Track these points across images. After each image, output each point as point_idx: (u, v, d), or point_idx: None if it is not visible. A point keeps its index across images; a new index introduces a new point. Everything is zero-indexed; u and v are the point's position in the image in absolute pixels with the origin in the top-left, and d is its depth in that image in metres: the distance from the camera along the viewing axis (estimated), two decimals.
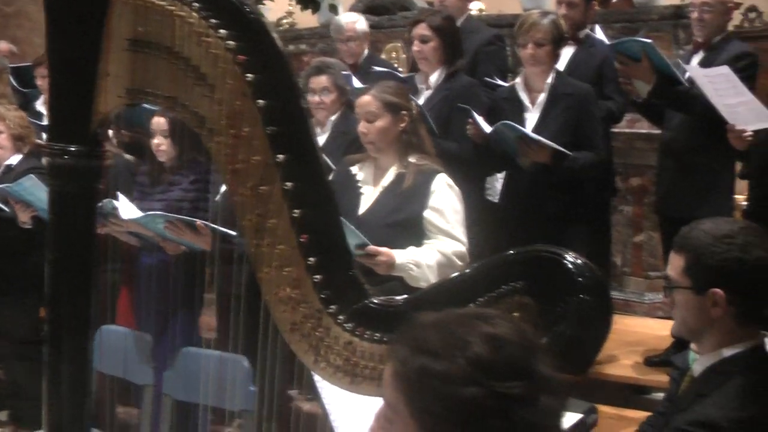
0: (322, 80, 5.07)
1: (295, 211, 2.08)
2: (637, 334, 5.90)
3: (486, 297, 1.94)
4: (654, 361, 5.42)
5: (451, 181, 3.83)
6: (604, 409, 5.13)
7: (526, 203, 4.83)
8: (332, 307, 2.11)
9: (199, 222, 4.09)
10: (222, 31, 2.12)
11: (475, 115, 4.70)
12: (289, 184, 2.08)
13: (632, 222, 6.60)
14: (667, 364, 4.65)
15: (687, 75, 4.95)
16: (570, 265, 1.91)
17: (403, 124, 3.83)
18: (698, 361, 2.52)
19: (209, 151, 2.16)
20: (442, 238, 3.73)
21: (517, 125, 4.60)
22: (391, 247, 3.60)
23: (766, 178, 4.46)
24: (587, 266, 1.93)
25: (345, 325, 2.10)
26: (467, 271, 2.06)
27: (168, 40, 2.18)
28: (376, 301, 2.11)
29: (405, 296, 2.17)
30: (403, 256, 3.60)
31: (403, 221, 3.74)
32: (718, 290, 2.38)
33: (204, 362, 3.97)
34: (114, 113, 2.34)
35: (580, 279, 1.89)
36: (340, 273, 2.11)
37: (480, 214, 5.04)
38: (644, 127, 6.04)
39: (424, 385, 1.52)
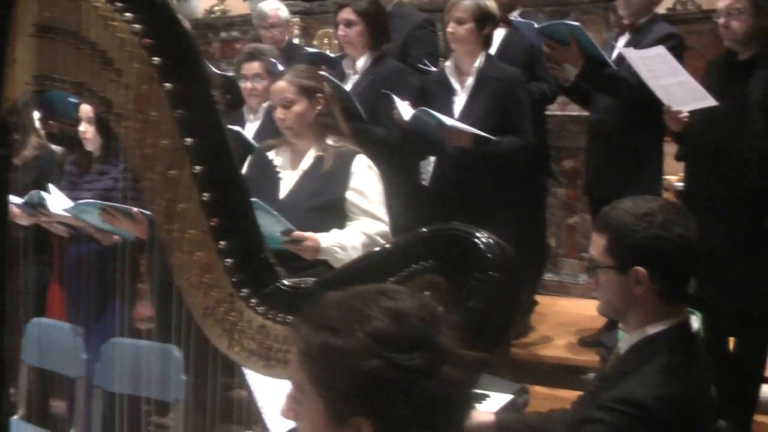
0: (254, 66, 5.05)
1: (205, 194, 2.06)
2: (571, 315, 5.97)
3: (396, 276, 1.93)
4: (587, 341, 5.48)
5: (370, 162, 3.85)
6: (538, 389, 5.19)
7: (455, 187, 4.84)
8: (244, 290, 2.10)
9: (135, 210, 4.04)
10: (128, 14, 2.10)
11: (396, 100, 4.69)
12: (198, 167, 2.06)
13: (565, 204, 6.66)
14: (600, 344, 4.69)
15: (614, 56, 4.98)
16: (480, 244, 1.92)
17: (319, 107, 3.84)
18: (623, 340, 2.53)
19: (117, 136, 2.13)
20: (365, 219, 3.74)
21: (433, 112, 4.59)
22: (314, 231, 3.60)
23: (702, 160, 4.49)
24: (497, 244, 1.94)
25: (258, 308, 2.09)
26: (377, 251, 2.05)
27: (74, 24, 2.16)
28: (287, 283, 2.10)
29: (315, 279, 2.16)
30: (328, 240, 3.59)
31: (325, 204, 3.74)
32: (640, 268, 2.39)
33: (134, 353, 3.94)
34: (23, 101, 2.30)
35: (489, 256, 1.89)
36: (252, 256, 2.10)
37: (412, 199, 5.07)
38: (575, 110, 6.06)
39: (326, 361, 1.53)
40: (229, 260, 2.09)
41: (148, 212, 3.95)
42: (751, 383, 4.67)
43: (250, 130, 5.06)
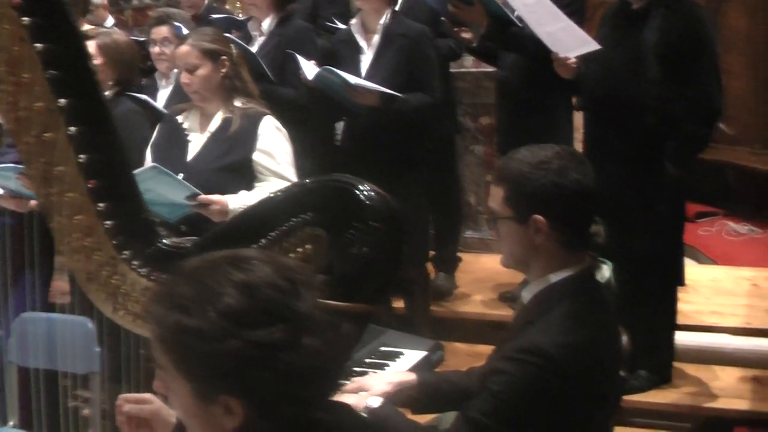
0: (163, 31, 4.98)
1: (81, 156, 2.01)
2: (491, 271, 5.97)
3: (277, 231, 1.91)
4: (507, 296, 5.51)
5: (278, 123, 3.83)
6: (460, 346, 5.22)
7: (364, 147, 4.83)
8: (126, 252, 2.06)
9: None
10: None
11: (301, 60, 4.66)
12: (73, 129, 2.01)
13: (483, 161, 6.66)
14: (517, 298, 4.72)
15: (516, 14, 4.99)
16: (360, 194, 1.89)
17: (224, 70, 3.80)
18: (527, 289, 2.52)
19: None
20: (274, 179, 3.71)
21: (337, 70, 4.57)
22: (222, 193, 3.57)
23: (601, 109, 4.53)
24: (379, 195, 1.91)
25: (140, 270, 2.06)
26: (256, 207, 2.01)
27: None
28: (167, 242, 2.06)
29: (196, 237, 2.12)
30: (235, 201, 3.56)
31: (232, 165, 3.72)
32: (539, 217, 2.38)
33: (47, 327, 3.88)
34: None
35: (370, 207, 1.87)
36: (132, 217, 2.06)
37: (326, 159, 5.05)
38: (491, 66, 6.04)
39: (182, 345, 1.48)
40: (109, 222, 2.05)
41: None
42: (664, 331, 4.73)
43: (162, 96, 5.00)
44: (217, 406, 1.49)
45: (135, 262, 2.07)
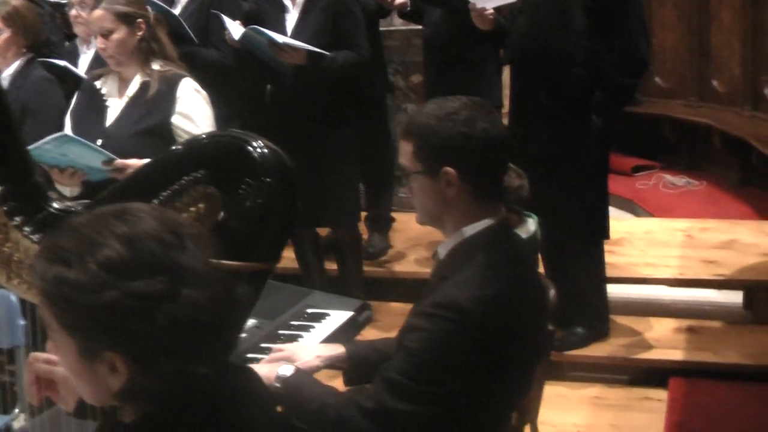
0: None
1: None
2: (425, 231, 5.86)
3: (168, 191, 1.84)
4: None
5: (197, 86, 3.75)
6: (395, 306, 5.19)
7: (291, 106, 4.78)
8: (17, 219, 1.98)
9: None
10: None
11: (226, 20, 4.58)
12: None
13: None
14: None
15: None
16: (252, 150, 1.82)
17: (140, 33, 3.71)
18: (442, 245, 2.47)
19: None
20: None
21: (263, 29, 4.49)
22: (141, 157, 3.48)
23: (528, 62, 4.49)
24: (271, 150, 1.84)
25: (32, 237, 1.98)
26: (148, 166, 1.94)
27: None
28: (58, 206, 1.99)
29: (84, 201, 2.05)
30: None
31: (151, 128, 3.65)
32: (449, 169, 2.32)
33: None
34: None
35: (262, 163, 1.80)
36: (22, 182, 1.98)
37: (255, 121, 4.97)
38: (418, 24, 5.99)
39: (62, 298, 1.44)
40: None
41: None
42: (594, 285, 4.73)
43: (84, 61, 4.89)
44: (102, 364, 1.46)
45: (27, 228, 1.99)
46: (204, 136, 1.94)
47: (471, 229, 2.39)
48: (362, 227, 5.82)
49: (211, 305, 1.45)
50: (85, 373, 1.49)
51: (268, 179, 1.79)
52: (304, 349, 2.71)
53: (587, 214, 4.55)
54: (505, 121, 4.80)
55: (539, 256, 4.12)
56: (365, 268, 5.43)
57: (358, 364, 2.68)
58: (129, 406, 1.53)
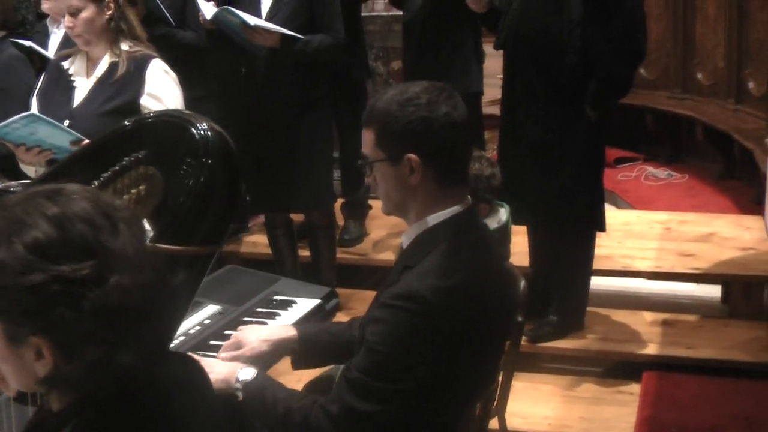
0: None
1: None
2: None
3: (109, 171, 1.78)
4: None
5: (166, 66, 3.69)
6: (371, 294, 5.04)
7: (264, 89, 4.71)
8: None
9: None
10: None
11: (199, 1, 4.51)
12: None
13: None
14: None
15: None
16: (195, 131, 1.76)
17: (109, 12, 3.64)
18: (406, 234, 2.42)
19: None
20: None
21: (236, 11, 4.43)
22: None
23: (521, 48, 4.43)
24: (214, 131, 1.78)
25: None
26: (87, 146, 1.88)
27: None
28: None
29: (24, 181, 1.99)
30: None
31: (119, 109, 3.57)
32: (411, 155, 2.27)
33: None
34: None
35: (204, 143, 1.74)
36: None
37: (229, 103, 4.94)
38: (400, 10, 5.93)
39: None
40: None
41: None
42: (579, 277, 4.69)
43: (54, 41, 4.84)
44: (27, 350, 1.42)
45: None
46: (150, 114, 1.87)
47: (435, 218, 2.34)
48: (339, 214, 5.78)
49: (140, 292, 1.41)
50: (11, 358, 1.45)
51: (209, 161, 1.72)
52: (253, 333, 2.65)
53: (579, 203, 4.49)
54: (497, 109, 4.77)
55: (510, 245, 4.07)
56: (341, 256, 5.38)
57: (309, 348, 2.64)
58: (55, 393, 1.49)
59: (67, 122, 3.55)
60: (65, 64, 3.78)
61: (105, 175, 1.77)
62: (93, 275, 1.38)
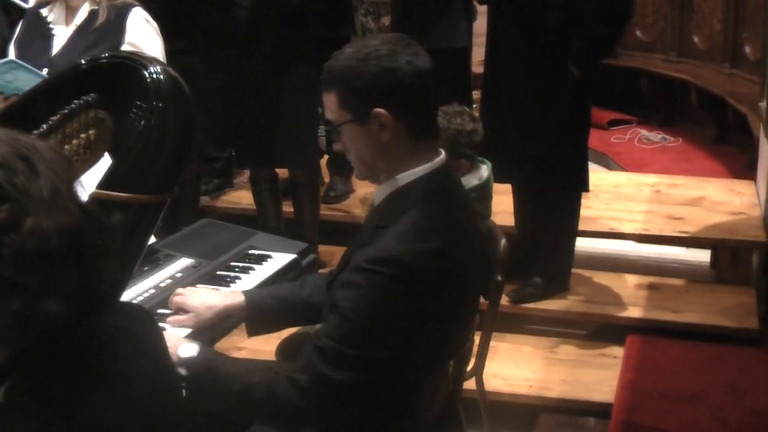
0: None
1: None
2: None
3: (58, 115, 1.70)
4: None
5: (147, 15, 3.63)
6: None
7: (246, 41, 4.63)
8: None
9: None
10: None
11: None
12: None
13: None
14: None
15: None
16: (146, 73, 1.68)
17: None
18: (378, 191, 2.31)
19: None
20: None
21: None
22: None
23: (505, 3, 4.35)
24: (168, 75, 1.71)
25: None
26: (36, 88, 1.80)
27: None
28: None
29: None
30: None
31: None
32: (379, 110, 2.17)
33: None
34: None
35: (155, 87, 1.67)
36: None
37: (213, 55, 4.87)
38: None
39: None
40: None
41: None
42: (564, 237, 4.64)
43: None
44: None
45: None
46: (104, 55, 1.79)
47: (408, 176, 2.24)
48: (325, 171, 5.71)
49: (62, 235, 1.34)
50: None
51: (160, 104, 1.65)
52: (197, 297, 2.54)
53: (565, 165, 4.42)
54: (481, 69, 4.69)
55: (491, 203, 4.00)
56: (325, 212, 5.31)
57: (258, 314, 2.55)
58: None
59: (45, 71, 3.47)
60: (44, 12, 3.70)
61: (54, 118, 1.70)
62: (8, 219, 1.31)
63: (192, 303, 2.51)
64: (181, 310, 2.52)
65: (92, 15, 3.58)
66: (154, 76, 1.68)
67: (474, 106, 5.23)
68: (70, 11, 3.65)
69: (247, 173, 5.47)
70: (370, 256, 2.12)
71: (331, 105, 2.24)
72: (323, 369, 2.10)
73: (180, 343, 2.26)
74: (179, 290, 2.57)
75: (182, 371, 2.18)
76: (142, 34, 3.58)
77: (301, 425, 2.17)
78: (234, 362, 2.29)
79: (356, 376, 2.10)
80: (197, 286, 2.73)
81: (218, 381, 2.18)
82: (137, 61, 1.71)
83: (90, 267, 1.40)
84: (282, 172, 5.18)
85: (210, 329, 2.50)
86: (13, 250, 1.30)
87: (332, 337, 2.11)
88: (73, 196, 1.38)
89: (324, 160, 5.70)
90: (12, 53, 3.66)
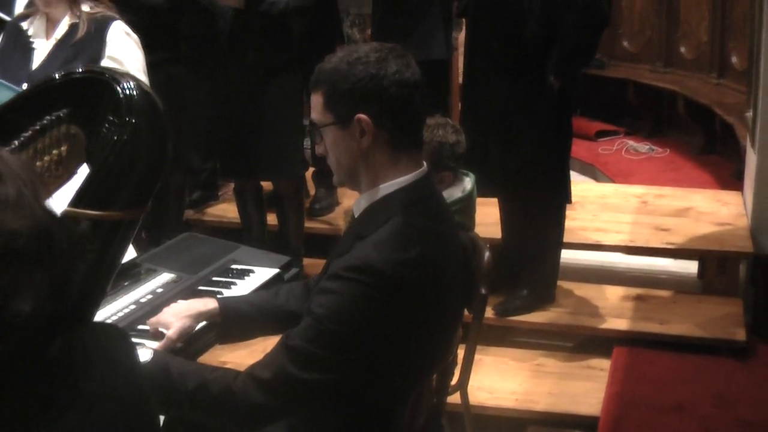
0: None
1: None
2: None
3: (29, 131, 1.68)
4: None
5: (128, 29, 3.60)
6: None
7: (230, 52, 4.61)
8: None
9: None
10: None
11: None
12: None
13: None
14: None
15: None
16: (119, 89, 1.66)
17: None
18: (357, 201, 2.31)
19: None
20: None
21: None
22: None
23: (482, 13, 4.35)
24: (141, 91, 1.68)
25: None
26: (6, 106, 1.77)
27: None
28: None
29: None
30: None
31: None
32: (362, 115, 2.16)
33: None
34: None
35: (127, 102, 1.64)
36: None
37: (198, 67, 4.86)
38: None
39: None
40: None
41: None
42: (549, 249, 4.62)
43: (20, 5, 4.70)
44: None
45: None
46: (77, 70, 1.77)
47: (388, 186, 2.23)
48: (310, 183, 5.70)
49: (30, 235, 1.33)
50: None
51: (132, 120, 1.62)
52: (167, 312, 2.51)
53: (546, 176, 4.41)
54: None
55: (475, 215, 3.98)
56: (310, 225, 5.30)
57: (232, 320, 2.52)
58: None
59: (25, 85, 3.44)
60: (24, 25, 3.68)
61: (25, 134, 1.68)
62: None
63: (166, 319, 2.49)
64: (158, 329, 2.50)
65: (72, 28, 3.56)
66: (127, 91, 1.65)
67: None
68: (51, 24, 3.62)
69: (232, 185, 5.45)
70: (348, 264, 2.11)
71: (316, 105, 2.25)
72: (290, 368, 2.09)
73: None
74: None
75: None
76: (123, 47, 3.56)
77: (258, 423, 2.18)
78: (189, 363, 2.27)
79: (324, 376, 2.09)
80: (177, 301, 2.70)
81: (173, 380, 2.16)
82: (110, 76, 1.68)
83: (60, 270, 1.38)
84: (267, 184, 5.15)
85: (193, 337, 2.48)
86: None
87: (303, 338, 2.10)
88: (40, 202, 1.37)
89: (309, 172, 5.68)
90: None
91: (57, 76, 1.73)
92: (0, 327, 1.33)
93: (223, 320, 2.52)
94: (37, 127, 1.66)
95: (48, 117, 1.66)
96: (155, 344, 2.41)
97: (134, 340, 2.04)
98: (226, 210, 5.75)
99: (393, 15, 5.10)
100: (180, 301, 2.59)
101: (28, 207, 1.34)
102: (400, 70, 2.20)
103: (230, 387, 2.12)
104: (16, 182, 1.35)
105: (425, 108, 2.30)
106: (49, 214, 1.37)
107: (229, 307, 2.54)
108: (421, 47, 4.76)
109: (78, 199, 1.60)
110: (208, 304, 2.53)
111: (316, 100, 2.24)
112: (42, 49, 3.60)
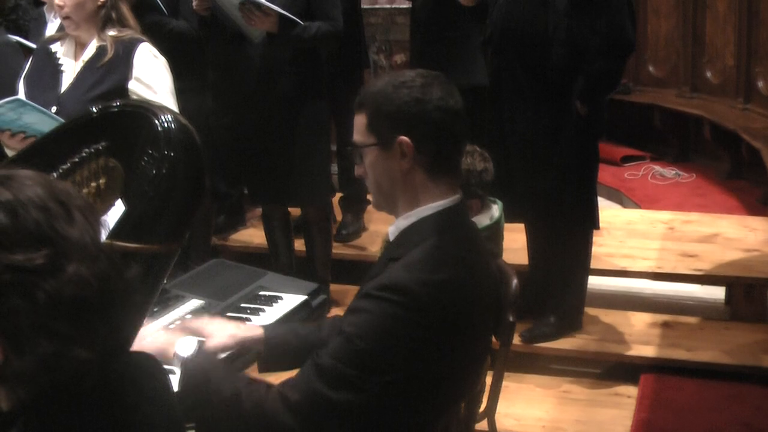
0: None
1: None
2: None
3: (68, 163, 1.71)
4: None
5: (155, 51, 3.63)
6: None
7: (259, 79, 4.63)
8: None
9: None
10: None
11: None
12: None
13: None
14: None
15: None
16: (156, 121, 1.68)
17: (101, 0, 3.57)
18: (393, 226, 2.34)
19: None
20: None
21: None
22: None
23: (507, 43, 4.36)
24: (179, 123, 1.71)
25: None
26: (47, 136, 1.80)
27: None
28: None
29: None
30: None
31: (107, 94, 3.49)
32: (404, 138, 2.21)
33: None
34: None
35: (165, 136, 1.66)
36: None
37: (226, 94, 4.88)
38: (404, 2, 5.89)
39: None
40: None
41: None
42: (576, 275, 4.61)
43: (51, 30, 4.76)
44: None
45: None
46: (115, 104, 1.79)
47: (424, 210, 2.27)
48: (337, 208, 5.71)
49: (97, 283, 1.34)
50: None
51: (171, 153, 1.65)
52: (218, 325, 2.52)
53: (573, 202, 4.40)
54: None
55: (503, 242, 3.99)
56: (337, 251, 5.31)
57: (275, 349, 2.52)
58: (4, 390, 1.41)
59: (54, 108, 3.49)
60: (53, 48, 3.73)
61: (64, 166, 1.70)
62: (47, 264, 1.31)
63: (210, 330, 2.48)
64: (198, 332, 2.49)
65: (100, 51, 3.60)
66: (165, 124, 1.68)
67: None
68: (80, 47, 3.67)
69: (259, 211, 5.47)
70: (378, 284, 2.13)
71: (359, 125, 2.29)
72: (319, 386, 2.09)
73: (176, 339, 2.28)
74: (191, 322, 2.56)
75: (176, 367, 2.19)
76: (150, 69, 3.59)
77: None
78: (225, 369, 2.28)
79: (353, 397, 2.09)
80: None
81: (210, 383, 2.17)
82: (148, 110, 1.71)
83: (116, 316, 1.40)
84: (294, 210, 5.17)
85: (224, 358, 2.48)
86: (50, 296, 1.30)
87: (334, 357, 2.10)
88: (101, 245, 1.38)
89: (336, 198, 5.69)
90: (21, 88, 3.69)
91: (95, 109, 1.75)
92: (57, 370, 1.35)
93: (266, 349, 2.52)
94: (77, 159, 1.69)
95: (87, 149, 1.68)
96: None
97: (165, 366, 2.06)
98: (253, 236, 5.77)
99: (432, 40, 5.10)
100: (228, 322, 2.59)
101: (96, 253, 1.35)
102: (444, 96, 2.24)
103: (261, 403, 2.12)
104: (85, 225, 1.36)
105: (466, 135, 2.33)
106: (109, 258, 1.39)
107: (274, 337, 2.54)
108: (461, 74, 4.76)
109: (117, 232, 1.62)
110: (254, 331, 2.53)
111: (360, 121, 2.28)
112: (70, 71, 3.65)
